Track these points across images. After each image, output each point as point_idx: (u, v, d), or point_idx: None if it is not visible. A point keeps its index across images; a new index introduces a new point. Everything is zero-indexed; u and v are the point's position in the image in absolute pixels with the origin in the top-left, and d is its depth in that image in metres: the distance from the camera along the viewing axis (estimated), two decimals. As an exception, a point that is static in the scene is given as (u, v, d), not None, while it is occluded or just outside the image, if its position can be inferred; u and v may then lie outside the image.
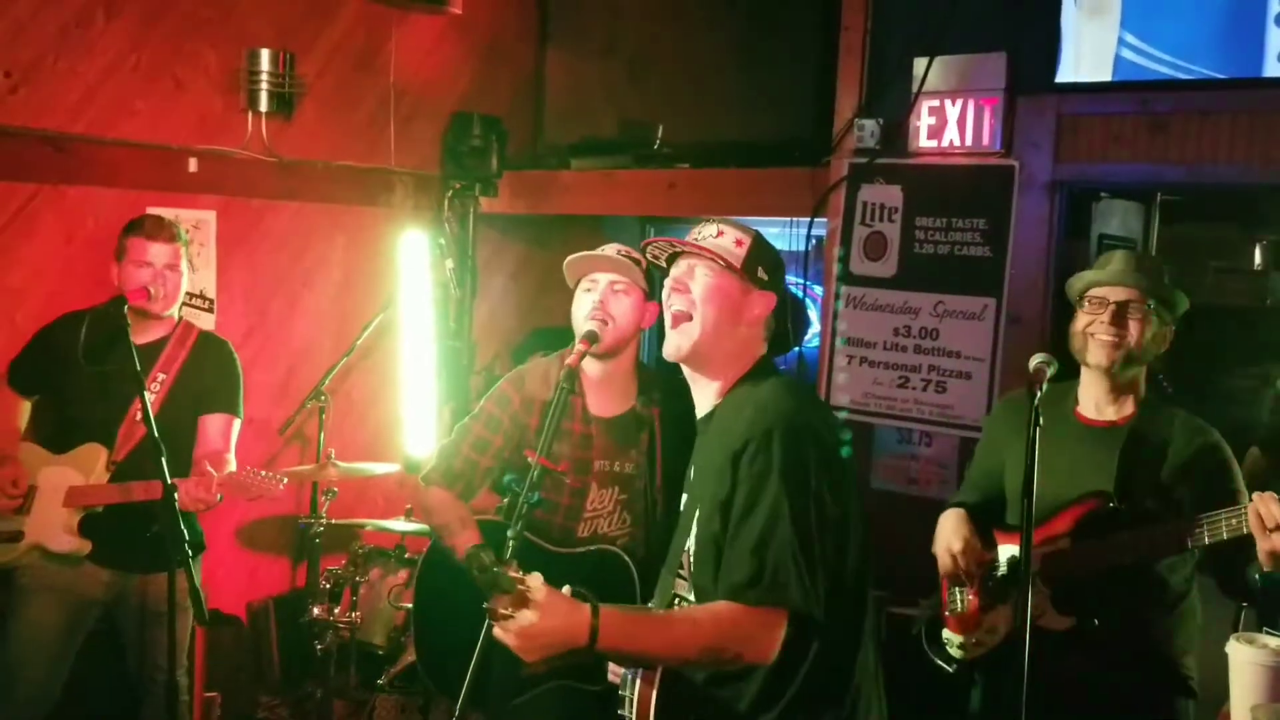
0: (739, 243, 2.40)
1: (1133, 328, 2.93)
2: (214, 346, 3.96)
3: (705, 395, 2.44)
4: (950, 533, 3.14)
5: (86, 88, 4.41)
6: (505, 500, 3.41)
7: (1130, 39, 4.06)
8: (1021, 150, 4.28)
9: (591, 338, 3.15)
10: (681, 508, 2.50)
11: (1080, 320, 3.02)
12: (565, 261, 3.28)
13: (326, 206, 5.26)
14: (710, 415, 2.42)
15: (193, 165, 4.71)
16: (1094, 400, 3.04)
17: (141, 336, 3.75)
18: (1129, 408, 3.01)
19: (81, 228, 4.45)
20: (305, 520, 4.87)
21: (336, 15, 5.21)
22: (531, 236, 6.16)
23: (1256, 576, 2.69)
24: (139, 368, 3.45)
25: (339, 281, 5.35)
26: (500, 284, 6.08)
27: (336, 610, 4.56)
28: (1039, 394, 2.61)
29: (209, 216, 4.85)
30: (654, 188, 5.32)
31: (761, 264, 2.40)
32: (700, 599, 2.31)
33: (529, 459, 3.08)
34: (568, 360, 3.10)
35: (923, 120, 4.44)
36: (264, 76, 4.85)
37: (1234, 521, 2.61)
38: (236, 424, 3.93)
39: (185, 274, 3.82)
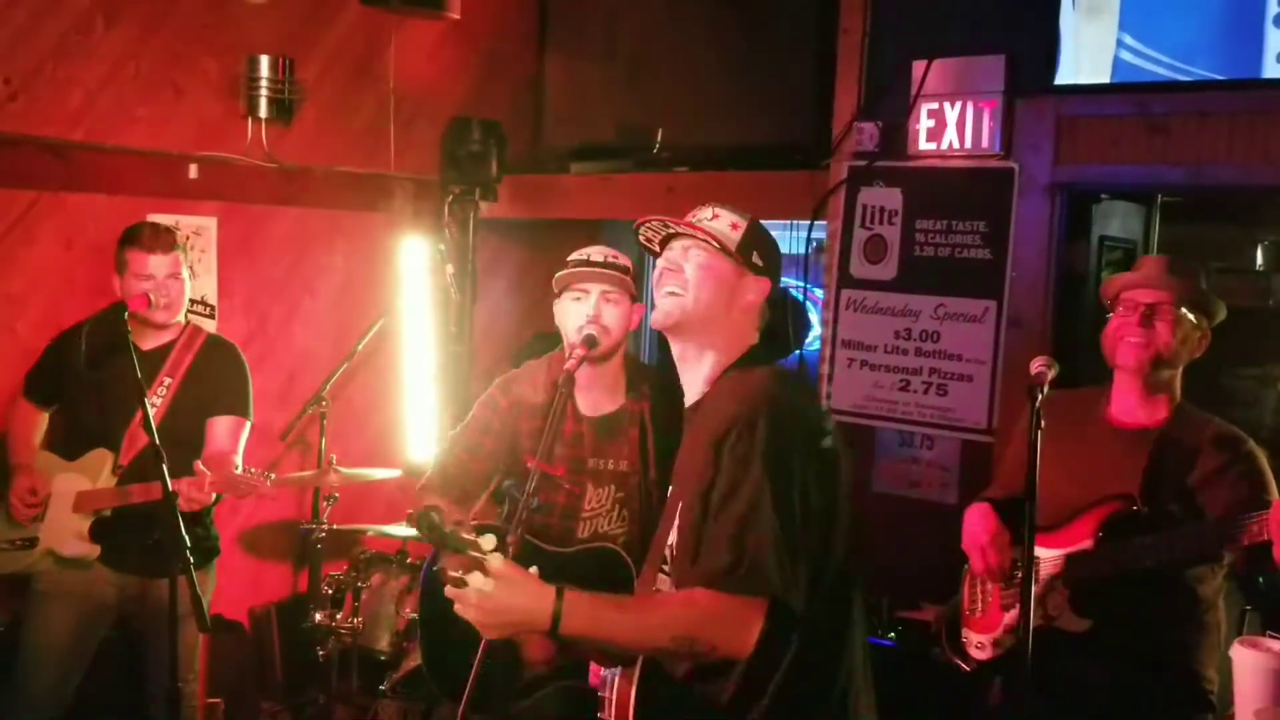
0: (734, 226, 2.36)
1: (1161, 330, 2.92)
2: (221, 350, 4.02)
3: (694, 382, 2.40)
4: (977, 527, 3.12)
5: (86, 95, 4.41)
6: (505, 508, 3.43)
7: (1129, 41, 4.06)
8: (1021, 152, 4.28)
9: (591, 342, 3.17)
10: (667, 500, 2.45)
11: (1112, 323, 3.02)
12: (556, 276, 3.31)
13: (327, 212, 5.26)
14: (697, 404, 2.39)
15: (193, 172, 4.71)
16: (1125, 403, 3.03)
17: (149, 342, 3.85)
18: (1162, 412, 3.00)
19: (82, 235, 4.45)
20: (307, 526, 4.88)
21: (335, 21, 5.21)
22: (531, 241, 6.16)
23: (1260, 580, 2.68)
24: (143, 373, 3.56)
25: (339, 287, 5.35)
26: (501, 288, 6.08)
27: (338, 616, 4.57)
28: (1039, 397, 2.61)
29: (209, 223, 4.85)
30: (653, 191, 5.32)
31: (757, 249, 2.37)
32: None
33: (528, 465, 3.10)
34: (566, 365, 3.11)
35: (922, 123, 4.44)
36: (263, 83, 4.85)
37: (1255, 528, 2.58)
38: (246, 426, 3.98)
39: (187, 280, 3.87)
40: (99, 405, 3.76)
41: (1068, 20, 4.16)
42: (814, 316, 5.57)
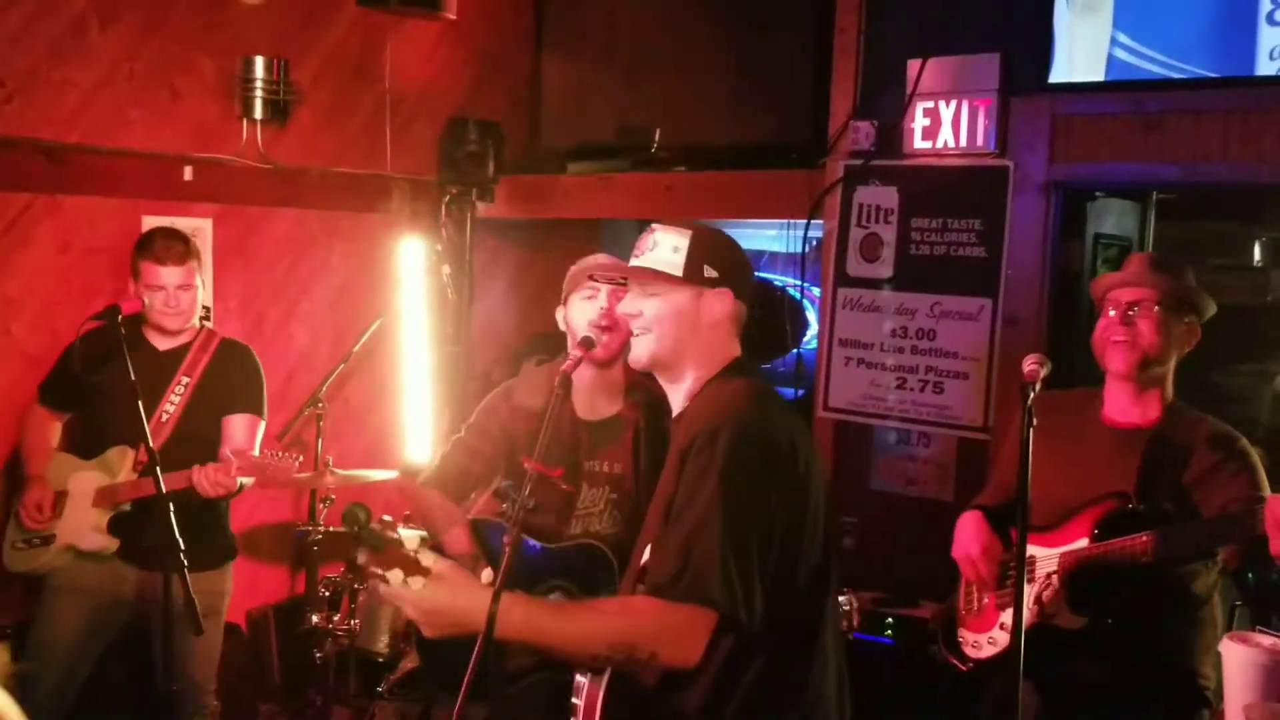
0: (676, 249, 2.34)
1: (1144, 328, 2.92)
2: (237, 351, 4.14)
3: (676, 397, 2.42)
4: (969, 538, 3.13)
5: (81, 97, 4.41)
6: (504, 507, 3.47)
7: (1123, 39, 4.06)
8: (1016, 151, 4.28)
9: (588, 344, 3.17)
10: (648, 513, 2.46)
11: (1099, 324, 3.02)
12: (569, 275, 3.31)
13: (323, 213, 5.26)
14: (679, 418, 2.40)
15: (188, 174, 4.72)
16: (1119, 403, 3.04)
17: (164, 344, 3.98)
18: (1154, 410, 3.01)
19: (77, 237, 4.46)
20: (304, 528, 4.87)
21: (331, 22, 5.21)
22: (529, 241, 6.17)
23: (1250, 575, 2.69)
24: (161, 373, 3.85)
25: (336, 288, 5.36)
26: (498, 289, 6.08)
27: (336, 618, 4.56)
28: (1032, 395, 2.61)
29: (205, 225, 4.85)
30: (651, 191, 5.32)
31: (707, 263, 2.34)
32: None
33: (526, 466, 3.12)
34: (563, 367, 3.13)
35: (917, 122, 4.44)
36: (259, 84, 4.85)
37: (1250, 523, 2.58)
38: (260, 425, 4.10)
39: (200, 288, 3.98)
40: (114, 406, 3.80)
41: (1062, 19, 4.16)
42: (811, 315, 5.57)
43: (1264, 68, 3.81)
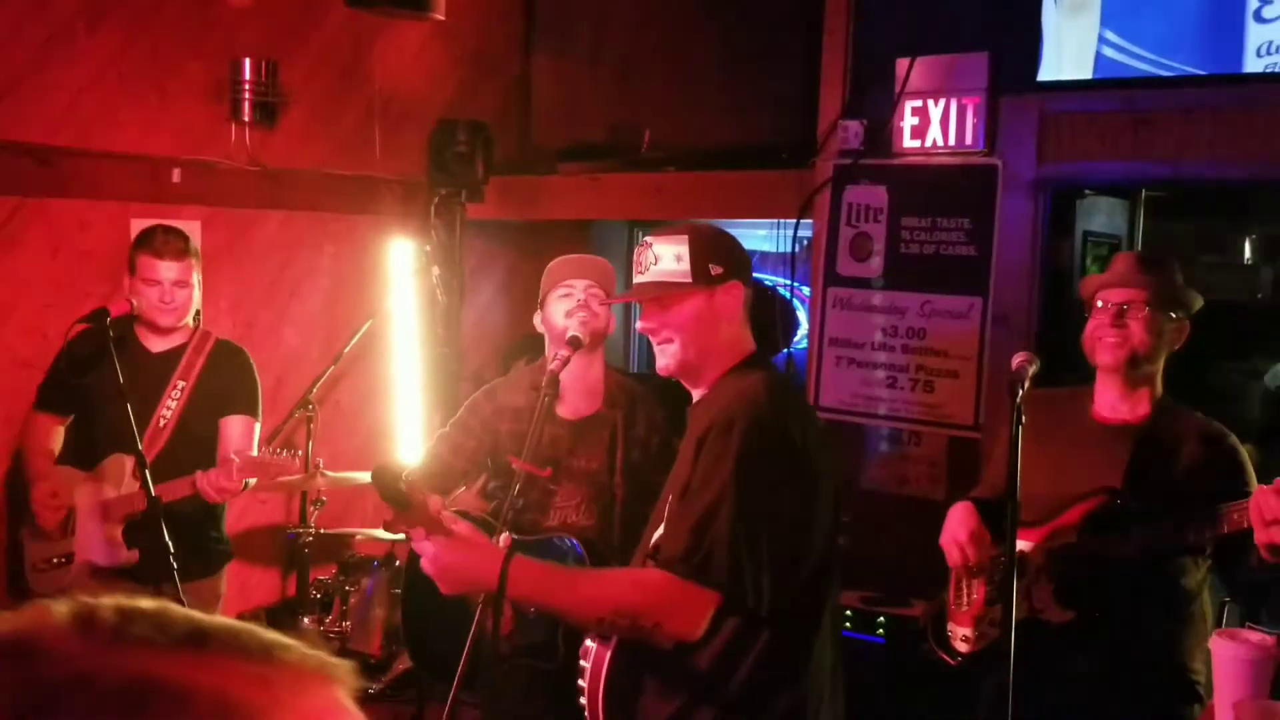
0: (679, 257, 2.39)
1: (1135, 328, 2.93)
2: (232, 352, 4.08)
3: (697, 388, 2.48)
4: (957, 524, 3.14)
5: (70, 99, 4.41)
6: (493, 505, 3.54)
7: (1111, 36, 4.07)
8: (1004, 149, 4.29)
9: (576, 343, 3.24)
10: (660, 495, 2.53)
11: (1089, 324, 3.04)
12: (545, 274, 3.41)
13: (313, 215, 5.26)
14: (696, 405, 2.46)
15: (176, 176, 4.71)
16: (1109, 400, 3.06)
17: (158, 345, 3.90)
18: (1144, 407, 3.02)
19: (67, 241, 4.45)
20: (294, 530, 4.88)
21: (320, 23, 5.20)
22: (520, 242, 6.16)
23: (1238, 571, 2.70)
24: (156, 376, 3.76)
25: (326, 290, 5.35)
26: (489, 289, 6.09)
27: (327, 620, 4.57)
28: (1020, 392, 2.62)
29: (194, 227, 4.82)
30: (642, 191, 5.33)
31: (710, 260, 2.38)
32: None
33: (515, 466, 3.16)
34: (551, 366, 3.18)
35: (906, 121, 4.45)
36: (248, 86, 4.84)
37: (1236, 516, 2.59)
38: (256, 426, 4.04)
39: (197, 286, 3.90)
40: (108, 411, 3.73)
41: (1050, 17, 4.17)
42: (802, 315, 5.58)
43: (1251, 65, 3.82)
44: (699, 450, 2.26)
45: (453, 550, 2.25)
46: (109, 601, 0.71)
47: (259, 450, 3.95)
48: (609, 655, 2.30)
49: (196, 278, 3.89)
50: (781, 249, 5.10)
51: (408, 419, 5.55)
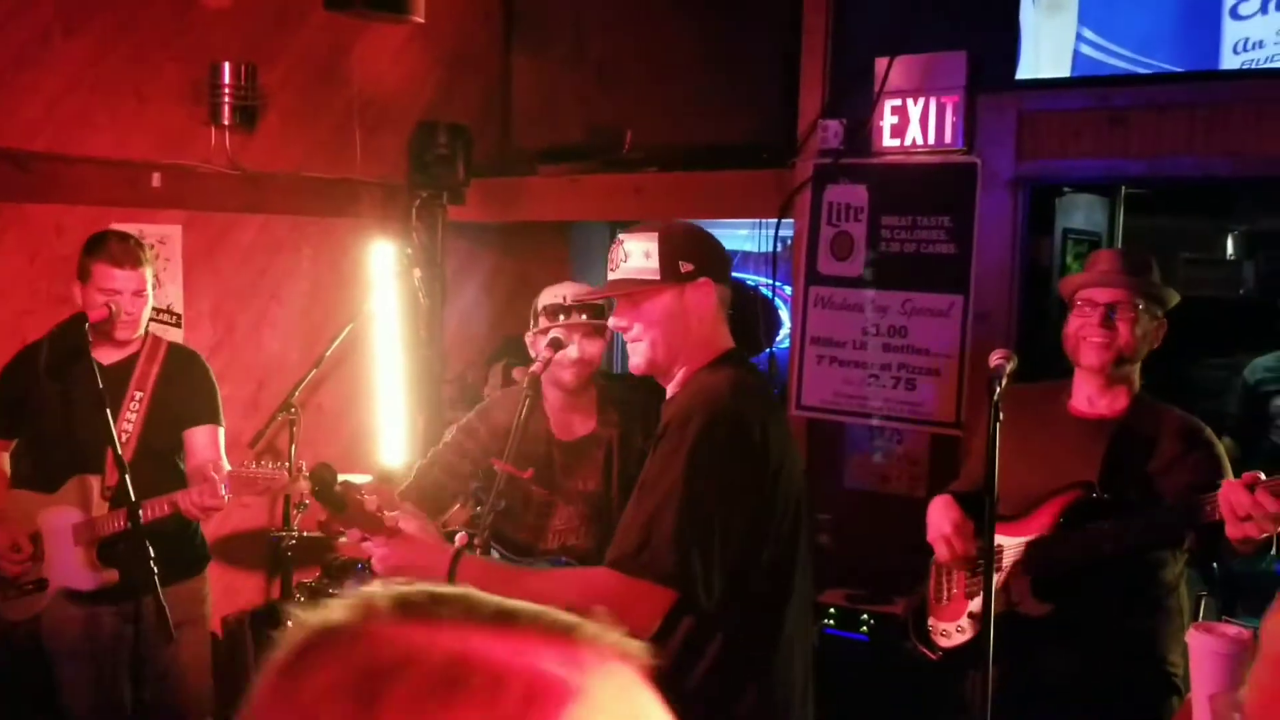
0: (648, 254, 2.38)
1: (1122, 329, 2.95)
2: (186, 359, 3.94)
3: (670, 386, 2.48)
4: (940, 518, 3.14)
5: (47, 104, 4.38)
6: (475, 509, 3.53)
7: (1088, 34, 4.08)
8: (983, 147, 4.30)
9: (557, 344, 3.23)
10: None
11: (1072, 323, 3.05)
12: (538, 311, 3.40)
13: (293, 219, 5.24)
14: (668, 403, 2.46)
15: (156, 180, 4.69)
16: (1086, 395, 3.08)
17: (109, 357, 3.72)
18: (1122, 401, 3.04)
19: (46, 246, 4.42)
20: (278, 533, 4.86)
21: (299, 26, 5.19)
22: (502, 243, 6.16)
23: (1214, 565, 2.71)
24: (111, 389, 3.51)
25: (307, 293, 5.34)
26: (471, 291, 6.07)
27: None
28: (998, 389, 2.63)
29: (174, 231, 4.82)
30: (622, 192, 5.33)
31: (680, 257, 2.38)
32: None
33: (495, 468, 3.16)
34: (532, 369, 3.18)
35: (885, 120, 4.46)
36: (226, 89, 4.81)
37: (1209, 508, 2.61)
38: (221, 432, 3.92)
39: (150, 295, 3.75)
40: (68, 428, 3.63)
41: (1028, 15, 4.18)
42: (784, 314, 5.58)
43: (1228, 62, 3.84)
44: (656, 446, 2.27)
45: (400, 550, 2.26)
46: (421, 587, 0.78)
47: (244, 462, 3.86)
48: None
49: (150, 285, 3.74)
50: (763, 249, 5.11)
51: (391, 421, 5.53)
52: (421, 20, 5.01)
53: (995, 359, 2.72)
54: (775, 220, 4.83)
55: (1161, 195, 5.42)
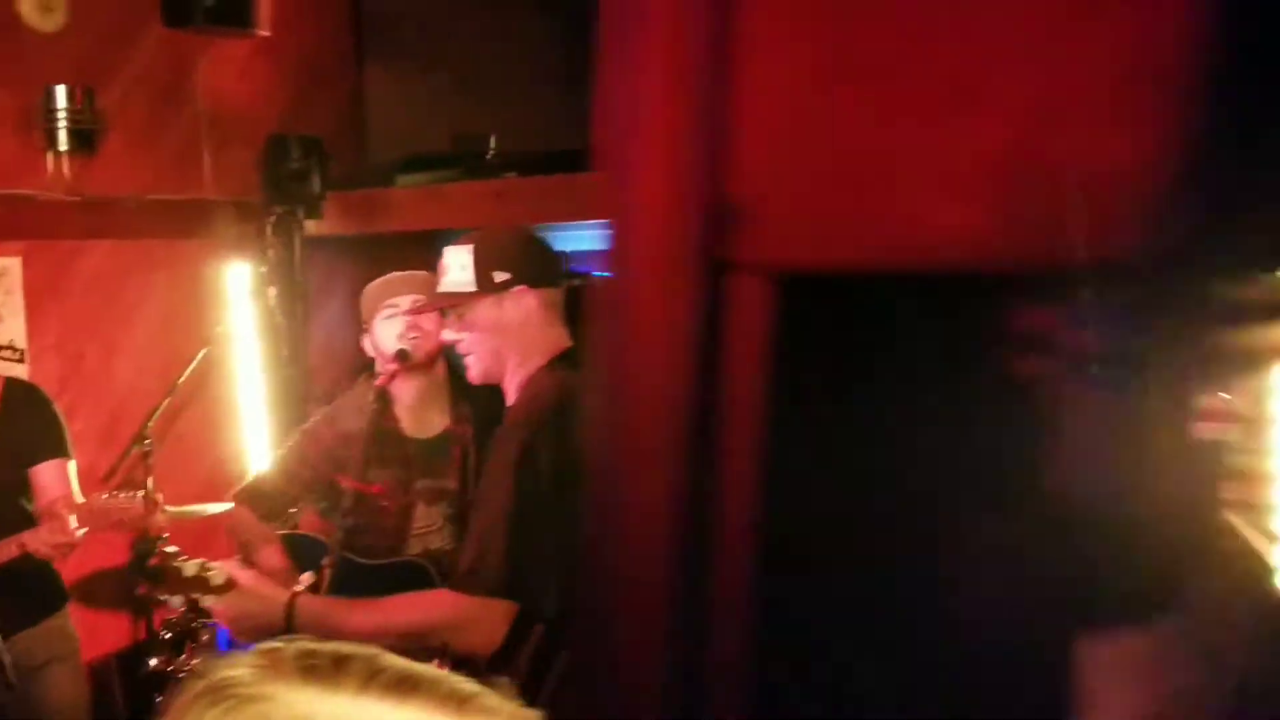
0: (464, 266, 2.42)
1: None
2: (26, 392, 3.79)
3: (511, 393, 2.47)
4: None
5: None
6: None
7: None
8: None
9: (403, 356, 3.21)
10: None
11: None
12: (365, 298, 3.35)
13: (141, 243, 5.10)
14: (509, 409, 2.45)
15: (-10, 211, 4.53)
16: None
17: None
18: None
19: (-128, 285, 4.23)
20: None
21: (136, 45, 5.03)
22: (366, 257, 6.02)
23: None
24: None
25: (160, 319, 5.18)
26: (335, 307, 5.94)
27: (180, 658, 4.40)
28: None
29: (14, 264, 4.66)
30: (482, 199, 5.25)
31: (494, 268, 2.40)
32: None
33: (343, 485, 3.12)
34: (378, 381, 3.14)
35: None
36: (62, 114, 4.66)
37: None
38: (71, 466, 3.78)
39: None
40: None
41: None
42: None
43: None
44: (491, 458, 2.30)
45: (236, 604, 2.35)
46: (329, 646, 0.79)
47: (93, 494, 3.74)
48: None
49: None
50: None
51: (257, 444, 5.40)
52: (267, 33, 4.91)
53: None
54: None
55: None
